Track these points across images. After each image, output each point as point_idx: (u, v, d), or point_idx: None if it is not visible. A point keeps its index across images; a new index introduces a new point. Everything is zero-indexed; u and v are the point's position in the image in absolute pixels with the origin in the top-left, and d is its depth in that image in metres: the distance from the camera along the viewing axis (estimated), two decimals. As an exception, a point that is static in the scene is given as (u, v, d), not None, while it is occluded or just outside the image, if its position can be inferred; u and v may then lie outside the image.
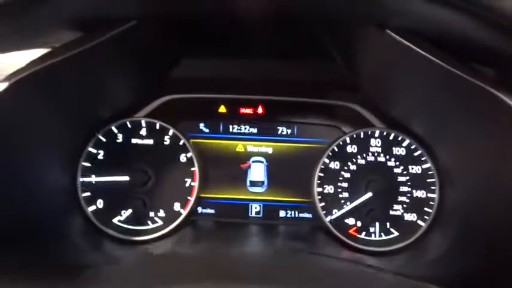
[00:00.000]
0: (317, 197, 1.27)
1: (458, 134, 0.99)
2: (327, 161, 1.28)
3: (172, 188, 1.28)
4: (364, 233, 1.25)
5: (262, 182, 1.36)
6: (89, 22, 0.82)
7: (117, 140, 1.29)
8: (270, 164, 1.36)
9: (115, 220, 1.25)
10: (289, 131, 1.37)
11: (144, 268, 0.73)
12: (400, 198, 1.24)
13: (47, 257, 0.90)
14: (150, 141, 1.29)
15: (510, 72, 0.77)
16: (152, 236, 1.25)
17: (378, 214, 1.24)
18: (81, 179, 1.25)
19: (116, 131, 1.29)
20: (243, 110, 1.36)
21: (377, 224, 1.24)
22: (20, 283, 0.74)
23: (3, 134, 0.84)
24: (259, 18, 0.87)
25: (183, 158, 1.29)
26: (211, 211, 1.35)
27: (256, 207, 1.35)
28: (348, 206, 1.25)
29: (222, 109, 1.37)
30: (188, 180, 1.28)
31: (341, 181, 1.27)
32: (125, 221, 1.25)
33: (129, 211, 1.25)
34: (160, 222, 1.27)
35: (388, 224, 1.24)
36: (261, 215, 1.35)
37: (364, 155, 1.27)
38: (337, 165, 1.28)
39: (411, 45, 0.76)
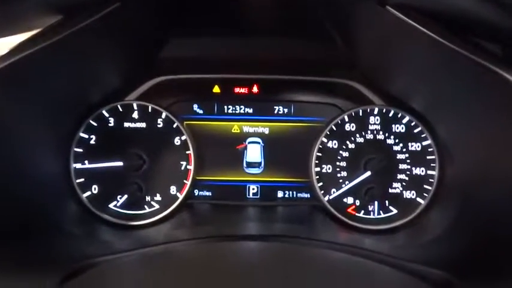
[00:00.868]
0: (315, 177, 1.26)
1: (458, 110, 0.97)
2: (324, 140, 1.26)
3: (167, 171, 1.26)
4: (362, 212, 1.24)
5: (259, 163, 1.34)
6: (73, 5, 0.78)
7: (109, 124, 1.26)
8: (267, 144, 1.34)
9: (111, 205, 1.24)
10: (285, 110, 1.34)
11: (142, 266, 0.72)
12: (399, 176, 1.23)
13: (40, 248, 0.90)
14: (143, 125, 1.26)
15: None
16: (149, 220, 1.24)
17: (377, 192, 1.22)
18: (74, 165, 1.23)
19: (107, 115, 1.25)
20: (237, 90, 1.32)
21: (376, 202, 1.24)
22: (13, 274, 0.73)
23: None
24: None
25: (177, 141, 1.26)
26: (208, 194, 1.34)
27: (253, 189, 1.34)
28: (347, 185, 1.24)
29: (216, 89, 1.33)
30: (183, 163, 1.26)
31: (339, 160, 1.25)
32: (121, 206, 1.24)
33: (125, 196, 1.23)
34: (157, 206, 1.26)
35: (387, 202, 1.23)
36: (258, 196, 1.34)
37: (363, 133, 1.25)
38: (335, 144, 1.26)
39: (412, 22, 0.74)
